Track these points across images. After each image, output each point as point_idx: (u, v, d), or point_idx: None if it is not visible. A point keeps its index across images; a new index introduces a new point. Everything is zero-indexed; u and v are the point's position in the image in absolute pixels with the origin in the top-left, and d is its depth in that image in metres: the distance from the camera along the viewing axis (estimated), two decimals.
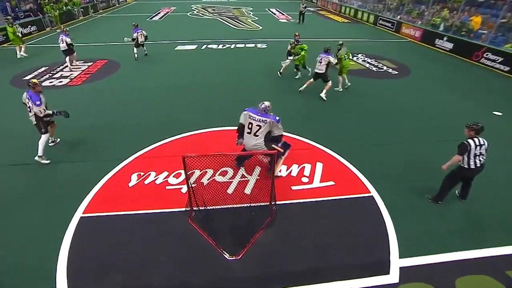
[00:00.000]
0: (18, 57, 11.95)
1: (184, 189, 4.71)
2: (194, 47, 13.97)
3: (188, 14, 24.14)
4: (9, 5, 15.81)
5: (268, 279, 3.50)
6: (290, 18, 22.55)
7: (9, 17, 13.89)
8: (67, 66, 10.72)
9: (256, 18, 22.20)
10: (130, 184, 4.89)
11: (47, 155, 5.53)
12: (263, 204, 4.39)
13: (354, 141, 6.30)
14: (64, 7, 19.60)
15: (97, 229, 4.08)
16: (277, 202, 4.45)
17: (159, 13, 24.30)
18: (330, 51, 8.05)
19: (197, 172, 5.08)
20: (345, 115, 7.51)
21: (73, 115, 6.41)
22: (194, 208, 4.29)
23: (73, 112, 6.09)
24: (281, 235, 4.02)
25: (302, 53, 9.22)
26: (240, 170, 5.22)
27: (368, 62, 11.95)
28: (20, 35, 12.21)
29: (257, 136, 4.57)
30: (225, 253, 3.72)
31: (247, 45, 14.36)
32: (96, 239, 3.92)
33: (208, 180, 4.98)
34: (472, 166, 4.14)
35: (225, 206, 4.44)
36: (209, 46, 14.16)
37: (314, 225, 4.18)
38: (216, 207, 4.40)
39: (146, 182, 4.95)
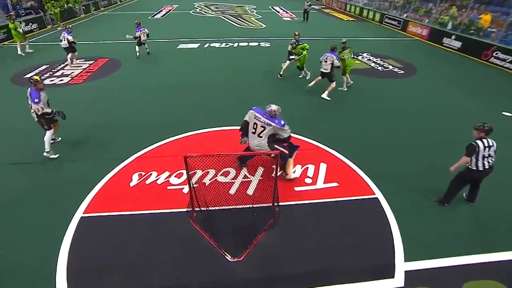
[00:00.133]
0: (18, 53, 12.07)
1: (186, 189, 4.73)
2: (196, 45, 14.01)
3: (190, 12, 24.21)
4: (10, 2, 15.96)
5: (271, 281, 3.50)
6: (294, 16, 22.54)
7: (11, 13, 14.04)
8: (67, 64, 10.84)
9: (260, 16, 22.22)
10: (131, 184, 4.91)
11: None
12: (266, 205, 4.40)
13: (359, 142, 6.28)
14: (65, 5, 19.75)
15: (98, 229, 4.10)
16: (280, 203, 4.45)
17: (161, 11, 24.40)
18: (336, 50, 8.06)
19: (199, 172, 5.09)
20: (349, 115, 7.50)
21: (74, 113, 6.50)
22: (196, 209, 4.30)
23: (74, 111, 6.17)
24: (284, 237, 4.02)
25: (304, 52, 9.09)
26: (243, 170, 5.23)
27: (373, 61, 11.91)
28: (21, 31, 12.33)
29: (261, 137, 4.61)
30: (227, 254, 3.73)
31: (250, 44, 14.38)
32: (96, 240, 3.95)
33: (210, 180, 5.00)
34: (481, 168, 4.11)
35: (227, 207, 4.45)
36: (211, 44, 14.20)
37: (318, 227, 4.18)
38: (218, 208, 4.41)
39: (148, 182, 4.97)
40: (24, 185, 4.95)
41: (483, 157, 4.06)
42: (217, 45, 14.16)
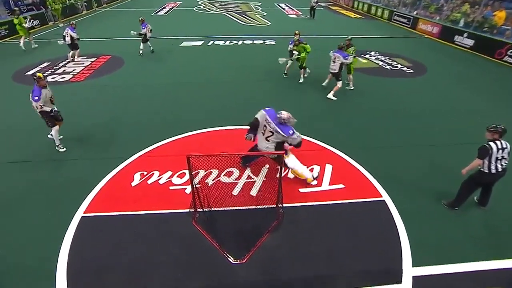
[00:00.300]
0: (22, 48, 12.27)
1: (188, 189, 4.76)
2: (200, 43, 14.07)
3: (194, 9, 24.31)
4: None
5: (274, 284, 3.50)
6: (300, 13, 22.51)
7: (15, 8, 14.35)
8: (69, 60, 11.02)
9: (265, 14, 22.23)
10: (133, 184, 4.95)
11: (50, 152, 5.66)
12: (270, 206, 4.40)
13: (365, 143, 6.26)
14: (67, 1, 19.95)
15: (99, 229, 4.14)
16: (284, 205, 4.45)
17: (164, 7, 24.53)
18: (343, 49, 8.05)
19: (202, 172, 5.12)
20: (355, 115, 7.47)
21: (76, 111, 6.56)
22: (198, 210, 4.32)
23: (76, 109, 6.24)
24: (287, 239, 4.02)
25: (303, 54, 8.82)
26: (246, 171, 5.24)
27: (382, 60, 11.85)
28: (26, 26, 12.56)
29: (268, 141, 4.61)
30: (230, 256, 3.74)
31: (255, 42, 14.41)
32: (97, 240, 3.99)
33: (213, 180, 5.02)
34: (493, 171, 4.06)
35: (230, 208, 4.46)
36: (215, 42, 14.25)
37: (323, 230, 4.17)
38: (221, 208, 4.43)
39: (149, 181, 5.01)
40: (24, 184, 5.01)
41: (496, 159, 4.01)
42: (221, 43, 14.20)
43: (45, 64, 10.93)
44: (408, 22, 18.09)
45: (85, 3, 22.10)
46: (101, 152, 5.85)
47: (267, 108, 4.66)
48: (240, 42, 14.31)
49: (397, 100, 8.36)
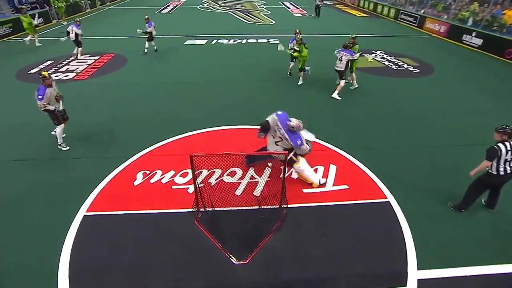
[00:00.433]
0: (26, 39, 12.63)
1: (191, 189, 4.77)
2: (203, 42, 14.11)
3: (198, 7, 24.38)
4: None
5: (276, 286, 3.51)
6: (305, 12, 22.47)
7: (23, 7, 14.69)
8: (75, 56, 11.32)
9: (269, 12, 22.22)
10: (135, 183, 4.98)
11: (53, 150, 5.72)
12: (273, 207, 4.40)
13: (370, 143, 6.23)
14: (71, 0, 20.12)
15: (101, 228, 4.18)
16: (288, 205, 4.45)
17: (168, 6, 24.64)
18: (349, 47, 8.05)
19: (205, 172, 5.13)
20: (360, 115, 7.44)
21: (79, 110, 6.62)
22: (201, 209, 4.34)
23: (78, 108, 6.29)
24: (290, 240, 4.02)
25: (295, 54, 8.68)
26: (250, 171, 5.25)
27: (387, 60, 11.78)
28: (35, 22, 12.96)
29: (277, 145, 4.63)
30: (232, 257, 3.75)
31: (259, 41, 14.41)
32: (99, 239, 4.02)
33: (216, 180, 5.03)
34: (502, 173, 4.03)
35: (233, 208, 4.47)
36: (219, 41, 14.28)
37: (326, 231, 4.17)
38: (224, 208, 4.44)
39: (152, 181, 5.03)
40: (27, 182, 5.06)
41: (505, 161, 3.97)
42: (225, 41, 14.23)
43: (49, 62, 11.03)
44: (414, 21, 17.97)
45: (89, 2, 22.27)
46: (103, 151, 5.89)
47: (279, 113, 4.62)
48: (244, 41, 14.32)
49: (403, 100, 8.32)
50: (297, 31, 9.07)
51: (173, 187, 4.92)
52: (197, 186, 4.10)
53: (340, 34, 14.65)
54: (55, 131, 5.88)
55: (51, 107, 5.50)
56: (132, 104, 7.86)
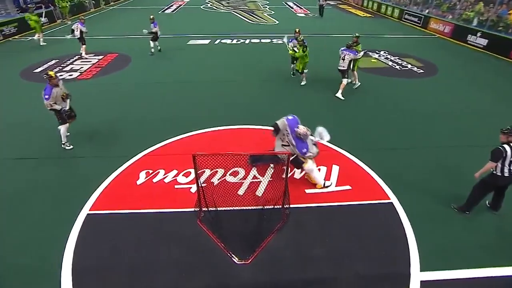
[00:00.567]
0: (35, 38, 13.03)
1: (194, 188, 4.79)
2: (207, 41, 14.14)
3: (201, 7, 24.43)
4: None
5: (278, 286, 3.50)
6: (309, 12, 22.44)
7: (31, 6, 15.18)
8: (81, 54, 11.55)
9: (273, 12, 22.21)
10: (138, 182, 5.00)
11: (57, 149, 5.77)
12: (275, 207, 4.40)
13: (374, 144, 6.21)
14: None
15: (104, 227, 4.20)
16: (290, 206, 4.45)
17: (171, 5, 24.71)
18: (352, 47, 8.06)
19: (208, 172, 5.14)
20: (364, 115, 7.42)
21: (82, 109, 6.64)
22: (204, 209, 4.35)
23: (82, 107, 6.32)
24: (293, 241, 4.02)
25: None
26: (252, 171, 5.25)
27: (391, 60, 11.73)
28: (43, 20, 13.55)
29: (284, 149, 4.64)
30: (234, 256, 3.76)
31: (262, 41, 14.41)
32: (102, 238, 4.04)
33: (218, 180, 5.04)
34: (506, 174, 3.99)
35: (235, 208, 4.48)
36: (222, 41, 14.30)
37: (329, 232, 4.16)
38: (226, 208, 4.44)
39: (155, 180, 5.05)
40: (30, 180, 5.10)
41: (510, 162, 3.94)
42: (228, 41, 14.25)
43: (53, 61, 11.11)
44: (419, 21, 17.88)
45: (93, 1, 22.39)
46: (106, 150, 5.93)
47: (289, 117, 4.62)
48: (247, 41, 14.33)
49: (406, 100, 8.28)
50: (297, 31, 8.97)
51: (176, 186, 4.94)
52: (199, 185, 4.11)
53: (343, 35, 14.59)
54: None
55: (58, 107, 5.55)
56: (135, 103, 7.90)
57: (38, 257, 3.78)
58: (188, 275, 3.58)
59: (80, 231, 4.13)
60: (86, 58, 11.45)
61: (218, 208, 4.40)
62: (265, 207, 4.48)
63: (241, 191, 4.83)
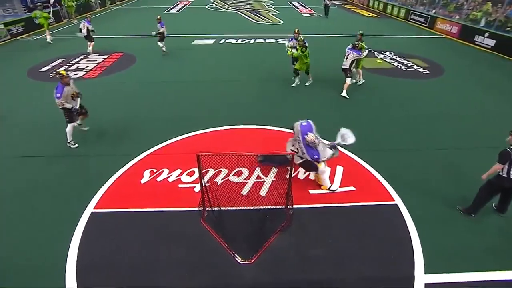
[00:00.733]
0: (49, 41, 13.48)
1: (197, 188, 4.80)
2: (212, 41, 14.17)
3: (206, 7, 24.49)
4: None
5: (281, 286, 3.50)
6: (314, 12, 22.38)
7: (39, 3, 15.86)
8: (89, 51, 11.85)
9: (278, 12, 22.19)
10: (142, 181, 5.04)
11: (62, 148, 5.84)
12: (279, 207, 4.40)
13: (378, 145, 6.18)
14: None
15: (108, 225, 4.23)
16: (294, 206, 4.44)
17: (176, 5, 24.81)
18: (357, 47, 8.08)
19: (211, 171, 5.16)
20: (368, 116, 7.38)
21: (88, 108, 6.69)
22: (207, 208, 4.36)
23: (88, 106, 6.36)
24: (296, 241, 4.01)
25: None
26: (256, 171, 5.25)
27: (397, 61, 11.65)
28: (51, 18, 14.03)
29: (297, 152, 4.68)
30: (237, 256, 3.76)
31: (267, 41, 14.40)
32: (106, 236, 4.07)
33: (222, 179, 5.05)
34: None
35: (239, 208, 4.49)
36: (227, 40, 14.32)
37: (332, 233, 4.15)
38: (230, 208, 4.45)
39: (159, 179, 5.08)
40: (35, 178, 5.16)
41: None
42: (233, 41, 14.27)
43: (59, 60, 11.22)
44: (425, 22, 17.73)
45: (99, 1, 22.57)
46: (111, 149, 5.97)
47: (303, 123, 4.65)
48: (252, 41, 14.33)
49: (411, 101, 8.21)
50: (296, 31, 8.90)
51: (180, 185, 4.96)
52: (203, 185, 4.12)
53: (349, 35, 14.52)
54: (79, 124, 6.14)
55: (69, 105, 5.66)
56: (140, 102, 7.95)
57: (43, 254, 3.82)
58: (191, 274, 3.59)
59: (84, 229, 4.17)
60: (92, 57, 11.55)
61: (222, 208, 4.42)
62: (268, 207, 4.47)
63: (244, 191, 4.84)
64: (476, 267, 3.72)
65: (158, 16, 11.62)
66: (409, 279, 3.57)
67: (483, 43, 13.50)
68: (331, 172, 5.26)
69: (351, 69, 8.29)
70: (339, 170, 5.33)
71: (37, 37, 14.65)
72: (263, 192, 4.82)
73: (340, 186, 4.96)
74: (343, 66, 8.25)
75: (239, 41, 14.31)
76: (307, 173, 5.22)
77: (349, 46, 8.19)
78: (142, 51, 12.15)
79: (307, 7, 24.43)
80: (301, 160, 4.70)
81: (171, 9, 23.27)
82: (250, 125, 6.72)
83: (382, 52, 12.51)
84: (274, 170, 5.27)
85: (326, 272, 3.64)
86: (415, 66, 11.05)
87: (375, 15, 21.90)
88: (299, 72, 8.82)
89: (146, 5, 24.80)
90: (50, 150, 5.86)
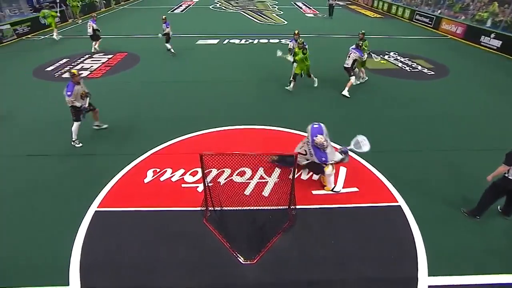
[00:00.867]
0: (54, 36, 14.11)
1: (200, 188, 4.82)
2: (215, 41, 14.21)
3: (210, 7, 24.57)
4: None
5: (283, 287, 3.50)
6: (317, 12, 22.35)
7: (46, 3, 16.44)
8: (95, 50, 12.14)
9: (281, 12, 22.20)
10: (146, 180, 5.06)
11: (66, 147, 5.89)
12: (282, 207, 4.40)
13: (382, 146, 6.15)
14: None
15: (111, 224, 4.26)
16: (297, 207, 4.44)
17: (181, 5, 24.91)
18: (360, 47, 8.15)
19: (214, 171, 5.17)
20: (371, 117, 7.36)
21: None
22: (210, 208, 4.37)
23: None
24: (299, 242, 4.01)
25: (297, 57, 8.17)
26: (259, 171, 5.25)
27: (401, 61, 11.60)
28: (57, 17, 14.62)
29: (305, 154, 4.69)
30: (240, 256, 3.77)
31: (271, 41, 14.40)
32: (109, 234, 4.10)
33: (225, 180, 5.06)
34: None
35: (241, 208, 4.49)
36: (231, 41, 14.35)
37: (335, 233, 4.14)
38: (233, 208, 4.46)
39: (162, 179, 5.11)
40: (39, 177, 5.20)
41: None
42: (236, 41, 14.29)
43: (64, 60, 11.32)
44: (430, 22, 17.63)
45: (104, 1, 22.73)
46: (115, 148, 6.01)
47: (315, 126, 4.63)
48: (255, 41, 14.35)
49: (416, 102, 8.17)
50: (296, 33, 8.76)
51: (183, 185, 4.98)
52: (206, 185, 4.14)
53: (352, 35, 14.48)
54: (98, 125, 6.36)
55: (78, 104, 5.76)
56: (143, 102, 7.99)
57: (47, 252, 3.86)
58: (193, 274, 3.60)
59: (88, 227, 4.20)
60: (96, 57, 11.64)
61: (225, 208, 4.43)
62: (271, 207, 4.47)
63: (247, 191, 4.84)
64: (480, 270, 3.69)
65: (164, 16, 11.66)
66: (413, 281, 3.55)
67: (489, 44, 13.39)
68: (335, 173, 5.26)
69: (354, 68, 8.32)
70: (343, 171, 5.32)
71: (43, 37, 14.80)
72: (266, 192, 4.83)
73: (343, 187, 4.95)
74: (345, 65, 8.30)
75: (243, 41, 14.33)
76: (310, 173, 5.21)
77: (353, 46, 8.23)
78: (146, 51, 12.22)
79: (311, 7, 24.41)
80: (307, 161, 4.70)
81: (175, 9, 23.38)
82: (252, 125, 6.72)
83: (387, 52, 12.46)
84: (277, 170, 5.27)
85: (329, 273, 3.63)
86: (419, 67, 10.99)
87: (380, 16, 21.82)
88: (296, 77, 8.51)
89: (151, 5, 24.94)
90: (55, 149, 5.91)
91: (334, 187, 4.88)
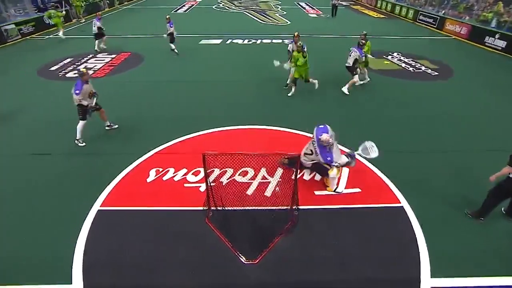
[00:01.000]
0: (60, 34, 14.29)
1: (203, 187, 4.83)
2: (218, 41, 14.23)
3: (213, 7, 24.61)
4: None
5: (285, 287, 3.50)
6: (321, 12, 22.32)
7: (52, 3, 16.75)
8: (98, 50, 12.22)
9: (284, 13, 22.19)
10: (148, 180, 5.08)
11: (70, 146, 5.91)
12: (284, 208, 4.40)
13: (384, 146, 6.04)
14: None
15: (114, 223, 4.28)
16: (299, 207, 4.44)
17: (184, 5, 24.98)
18: (362, 47, 8.18)
19: (217, 171, 5.17)
20: (374, 117, 7.33)
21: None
22: (212, 208, 4.38)
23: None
24: (301, 242, 4.01)
25: (291, 65, 8.08)
26: (261, 171, 5.25)
27: (404, 62, 11.55)
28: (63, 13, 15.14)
29: (306, 156, 4.69)
30: (242, 256, 3.77)
31: (273, 41, 14.40)
32: (112, 234, 4.12)
33: (227, 179, 5.07)
34: None
35: (244, 208, 4.49)
36: (234, 41, 14.37)
37: (337, 234, 4.13)
38: (235, 208, 4.46)
39: (164, 178, 5.12)
40: (43, 176, 5.24)
41: None
42: (239, 41, 14.31)
43: (68, 60, 11.39)
44: (434, 23, 17.54)
45: (107, 1, 22.84)
46: (117, 147, 6.04)
47: (320, 126, 4.61)
48: (258, 41, 14.36)
49: (419, 103, 8.13)
50: (296, 35, 8.42)
51: (185, 185, 4.99)
52: (208, 184, 4.15)
53: (355, 35, 14.44)
54: (110, 126, 6.46)
55: (85, 102, 5.80)
56: (146, 102, 8.02)
57: (50, 251, 3.88)
58: (195, 273, 3.61)
59: (91, 226, 4.22)
60: (100, 56, 11.71)
61: (227, 208, 4.43)
62: (273, 207, 4.48)
63: (250, 191, 4.85)
64: (483, 271, 3.67)
65: (167, 16, 11.70)
66: (415, 282, 3.54)
67: (494, 44, 13.30)
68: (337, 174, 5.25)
69: (356, 67, 8.32)
70: (345, 171, 5.30)
71: (47, 36, 14.90)
72: (268, 192, 4.83)
73: (346, 188, 4.94)
74: (346, 64, 8.33)
75: (246, 41, 14.34)
76: (313, 174, 5.21)
77: (354, 46, 8.27)
78: (149, 51, 12.26)
79: (314, 7, 24.38)
80: (312, 162, 4.68)
81: (178, 9, 23.45)
82: (255, 125, 6.72)
83: (390, 53, 12.42)
84: (280, 170, 5.27)
85: (331, 273, 3.63)
86: (423, 68, 10.94)
87: (383, 16, 21.75)
88: (296, 81, 8.31)
89: (154, 5, 25.02)
90: (58, 148, 5.95)
91: (337, 187, 4.87)
